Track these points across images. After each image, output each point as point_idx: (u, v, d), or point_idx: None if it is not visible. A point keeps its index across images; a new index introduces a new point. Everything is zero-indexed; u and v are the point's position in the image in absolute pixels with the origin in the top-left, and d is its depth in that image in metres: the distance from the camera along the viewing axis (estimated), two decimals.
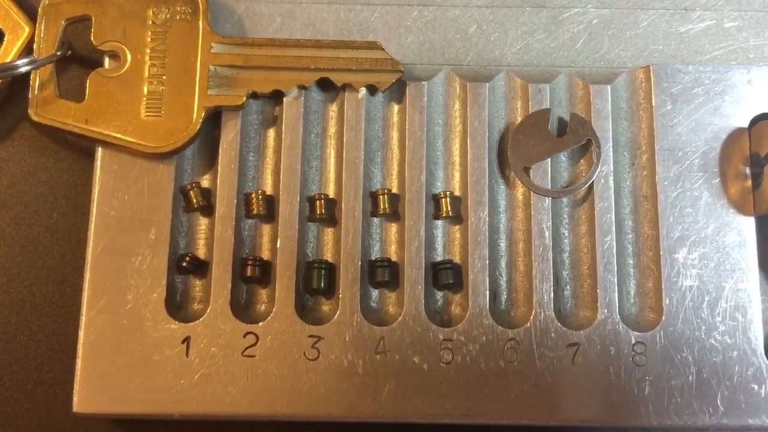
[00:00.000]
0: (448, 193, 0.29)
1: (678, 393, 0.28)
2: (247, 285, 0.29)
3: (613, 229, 0.29)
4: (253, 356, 0.28)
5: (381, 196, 0.29)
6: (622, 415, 0.28)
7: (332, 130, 0.30)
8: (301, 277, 0.29)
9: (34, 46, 0.29)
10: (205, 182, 0.30)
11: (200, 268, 0.29)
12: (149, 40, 0.29)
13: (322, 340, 0.28)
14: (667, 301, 0.28)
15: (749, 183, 0.29)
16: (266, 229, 0.29)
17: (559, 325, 0.28)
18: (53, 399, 0.29)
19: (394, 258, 0.29)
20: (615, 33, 0.31)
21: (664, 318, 0.28)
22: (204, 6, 0.29)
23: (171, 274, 0.28)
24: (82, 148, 0.31)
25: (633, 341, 0.28)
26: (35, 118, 0.29)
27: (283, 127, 0.29)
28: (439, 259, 0.29)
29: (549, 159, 0.29)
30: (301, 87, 0.29)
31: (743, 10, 0.31)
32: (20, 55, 0.30)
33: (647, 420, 0.28)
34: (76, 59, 0.31)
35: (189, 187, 0.29)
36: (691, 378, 0.28)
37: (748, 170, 0.29)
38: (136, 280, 0.28)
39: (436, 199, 0.29)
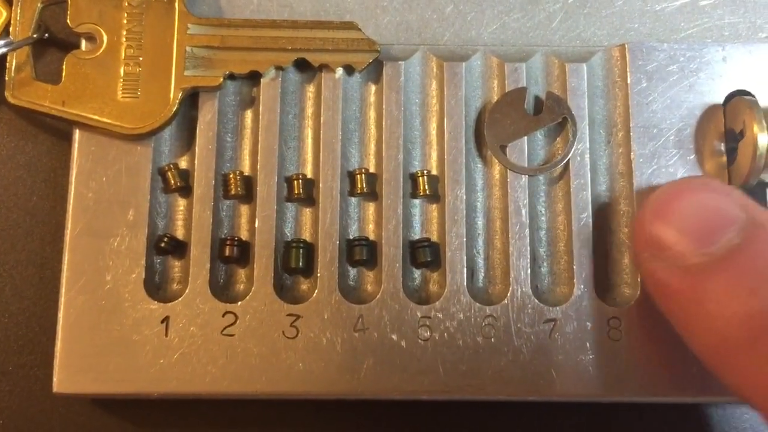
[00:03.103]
0: (425, 171, 0.29)
1: (654, 367, 0.28)
2: (225, 265, 0.29)
3: (590, 206, 0.29)
4: (232, 335, 0.28)
5: (358, 176, 0.29)
6: (599, 390, 0.28)
7: (310, 110, 0.30)
8: (279, 256, 0.29)
9: (11, 29, 0.29)
10: (183, 163, 0.30)
11: (179, 248, 0.29)
12: (125, 21, 0.29)
13: (301, 319, 0.28)
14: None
15: (724, 159, 0.29)
16: (244, 209, 0.29)
17: (536, 301, 0.28)
18: (34, 381, 0.29)
19: (372, 237, 0.29)
20: (591, 12, 0.31)
21: (639, 293, 0.28)
22: None
23: (150, 254, 0.28)
24: (60, 131, 0.31)
25: (609, 316, 0.28)
26: (12, 101, 0.29)
27: (261, 108, 0.29)
28: (416, 237, 0.29)
29: (525, 137, 0.29)
30: (278, 68, 0.29)
31: None
32: None
33: (624, 394, 0.28)
34: (53, 42, 0.31)
35: (167, 168, 0.29)
36: (666, 352, 0.28)
37: (723, 146, 0.29)
38: (115, 260, 0.28)
39: (413, 178, 0.29)
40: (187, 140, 0.30)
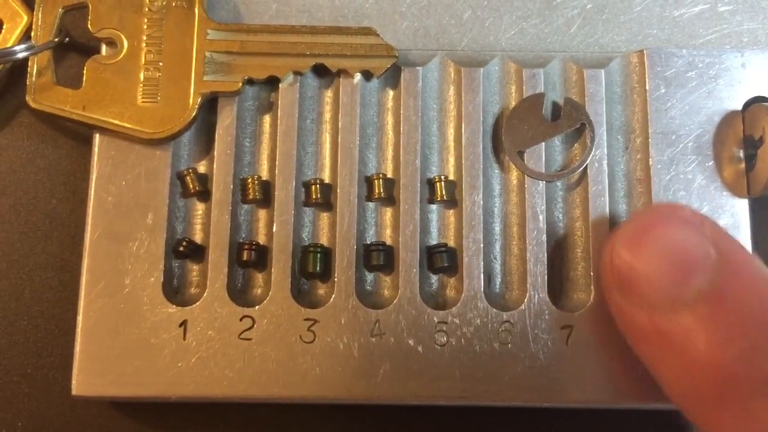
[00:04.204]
0: (442, 177, 0.29)
1: None
2: (243, 269, 0.29)
3: (607, 212, 0.29)
4: (249, 339, 0.28)
5: (376, 181, 0.29)
6: (616, 396, 0.28)
7: (327, 115, 0.30)
8: (296, 261, 0.29)
9: (32, 34, 0.30)
10: (202, 168, 0.30)
11: (197, 252, 0.29)
12: (145, 27, 0.29)
13: (318, 323, 0.28)
14: None
15: (743, 166, 0.29)
16: (262, 213, 0.30)
17: (553, 307, 0.28)
18: (52, 383, 0.29)
19: (389, 242, 0.29)
20: (609, 17, 0.31)
21: None
22: None
23: (168, 258, 0.29)
24: (80, 134, 0.31)
25: None
26: (33, 105, 0.29)
27: (279, 113, 0.29)
28: (433, 242, 0.29)
29: (543, 143, 0.29)
30: (297, 73, 0.30)
31: None
32: (18, 42, 0.30)
33: (641, 400, 0.28)
34: (74, 47, 0.31)
35: (186, 172, 0.29)
36: None
37: (741, 153, 0.29)
38: (134, 264, 0.28)
39: (430, 184, 0.29)
40: (205, 145, 0.30)
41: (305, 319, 0.28)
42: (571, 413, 0.29)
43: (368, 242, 0.29)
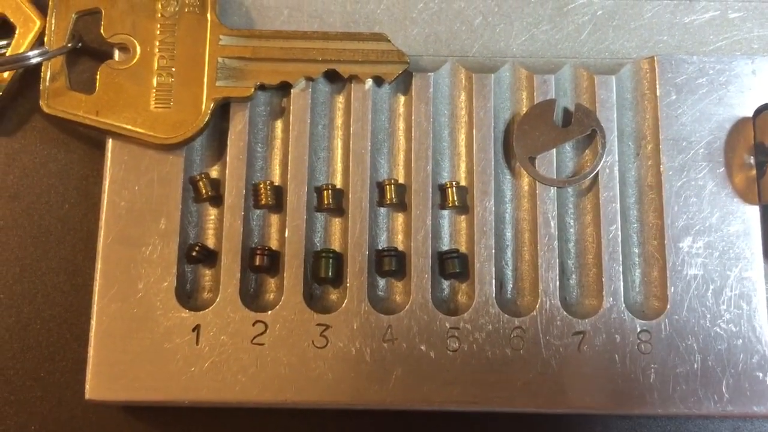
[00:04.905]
0: (454, 183, 0.29)
1: (683, 381, 0.28)
2: (255, 274, 0.29)
3: (618, 218, 0.29)
4: (262, 344, 0.28)
5: (388, 187, 0.29)
6: (628, 403, 0.28)
7: (339, 121, 0.30)
8: (309, 266, 0.29)
9: (45, 39, 0.30)
10: (214, 173, 0.30)
11: (210, 257, 0.29)
12: (158, 32, 0.30)
13: (330, 329, 0.28)
14: (672, 290, 0.28)
15: (754, 172, 0.29)
16: (274, 219, 0.30)
17: (565, 313, 0.28)
18: (65, 387, 0.30)
19: (400, 247, 0.29)
20: (619, 24, 0.31)
21: (669, 306, 0.28)
22: None
23: (181, 263, 0.29)
24: (92, 139, 0.31)
25: (638, 329, 0.28)
26: (46, 110, 0.29)
27: (291, 119, 0.30)
28: (445, 248, 0.29)
29: (554, 149, 0.30)
30: (309, 78, 0.30)
31: (747, 0, 0.31)
32: (32, 48, 0.30)
33: (652, 407, 0.28)
34: (87, 52, 0.31)
35: (198, 177, 0.29)
36: (695, 366, 0.28)
37: (752, 160, 0.29)
38: (147, 269, 0.28)
39: (442, 189, 0.30)
40: (218, 150, 0.30)
41: (317, 324, 0.28)
42: (583, 419, 0.29)
43: (380, 248, 0.29)
